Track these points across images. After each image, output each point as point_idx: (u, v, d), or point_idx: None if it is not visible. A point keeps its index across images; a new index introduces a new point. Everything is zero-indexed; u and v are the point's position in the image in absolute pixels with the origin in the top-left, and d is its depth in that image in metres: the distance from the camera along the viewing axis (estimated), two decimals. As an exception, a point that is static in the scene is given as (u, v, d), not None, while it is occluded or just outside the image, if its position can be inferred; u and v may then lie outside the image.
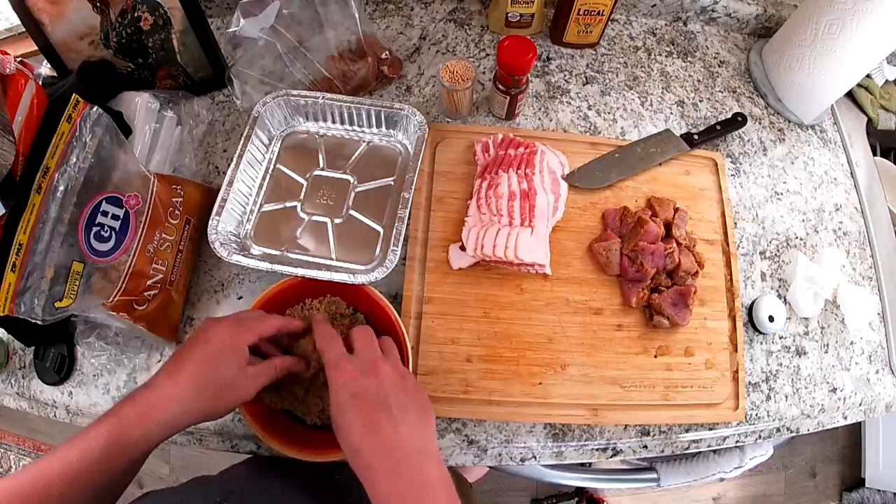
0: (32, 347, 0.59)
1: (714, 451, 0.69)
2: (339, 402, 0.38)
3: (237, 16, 0.59)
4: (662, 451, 0.56)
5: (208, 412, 0.40)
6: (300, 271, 0.51)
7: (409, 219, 0.53)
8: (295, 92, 0.60)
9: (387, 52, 0.67)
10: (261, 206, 0.59)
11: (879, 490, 1.36)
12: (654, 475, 0.75)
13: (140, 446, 0.37)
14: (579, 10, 0.67)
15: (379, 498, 0.34)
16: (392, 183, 0.60)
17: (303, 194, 0.60)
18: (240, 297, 0.59)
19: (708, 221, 0.62)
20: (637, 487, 0.78)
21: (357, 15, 0.63)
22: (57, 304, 0.44)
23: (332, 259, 0.56)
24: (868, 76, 0.76)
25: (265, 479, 0.48)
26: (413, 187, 0.54)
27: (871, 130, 0.77)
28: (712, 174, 0.65)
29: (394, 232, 0.52)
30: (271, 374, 0.44)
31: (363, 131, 0.63)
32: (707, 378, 0.56)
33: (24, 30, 0.60)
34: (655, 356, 0.56)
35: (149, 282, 0.51)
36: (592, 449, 0.55)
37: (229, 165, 0.56)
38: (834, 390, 0.60)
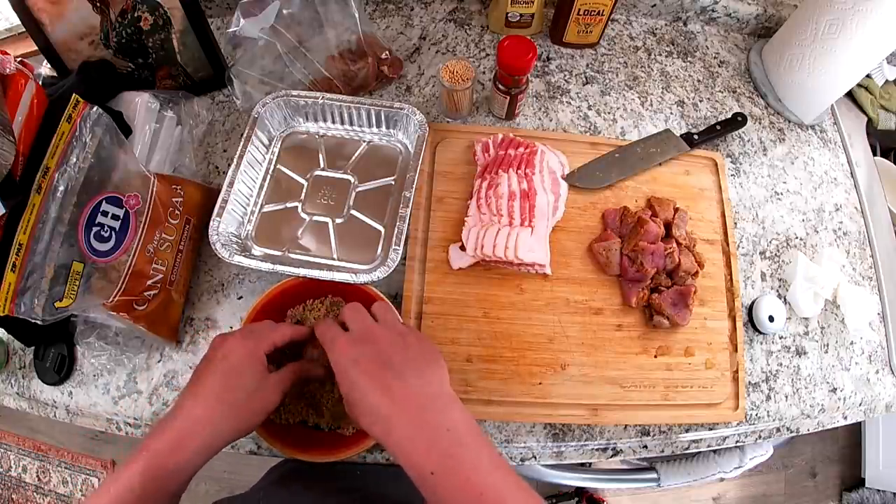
0: (32, 347, 0.59)
1: (714, 451, 0.69)
2: (344, 377, 0.37)
3: (237, 16, 0.59)
4: (662, 451, 0.56)
5: (239, 429, 0.39)
6: (302, 271, 0.51)
7: (409, 218, 0.53)
8: (295, 92, 0.60)
9: (387, 52, 0.67)
10: (261, 206, 0.59)
11: (879, 490, 1.36)
12: (654, 475, 0.75)
13: (177, 477, 0.36)
14: (579, 10, 0.67)
15: (409, 458, 0.33)
16: (393, 182, 0.60)
17: (303, 194, 0.60)
18: (240, 297, 0.59)
19: (708, 221, 0.62)
20: (637, 487, 0.78)
21: (357, 15, 0.63)
22: (57, 304, 0.44)
23: (333, 259, 0.56)
24: (868, 76, 0.76)
25: (289, 485, 0.47)
26: (414, 186, 0.54)
27: (871, 130, 0.77)
28: (712, 174, 0.65)
29: (395, 231, 0.52)
30: (292, 378, 0.44)
31: (363, 131, 0.63)
32: (707, 378, 0.56)
33: (24, 30, 0.60)
34: (655, 356, 0.56)
35: (149, 282, 0.51)
36: (592, 449, 0.55)
37: (229, 165, 0.56)
38: (834, 390, 0.60)
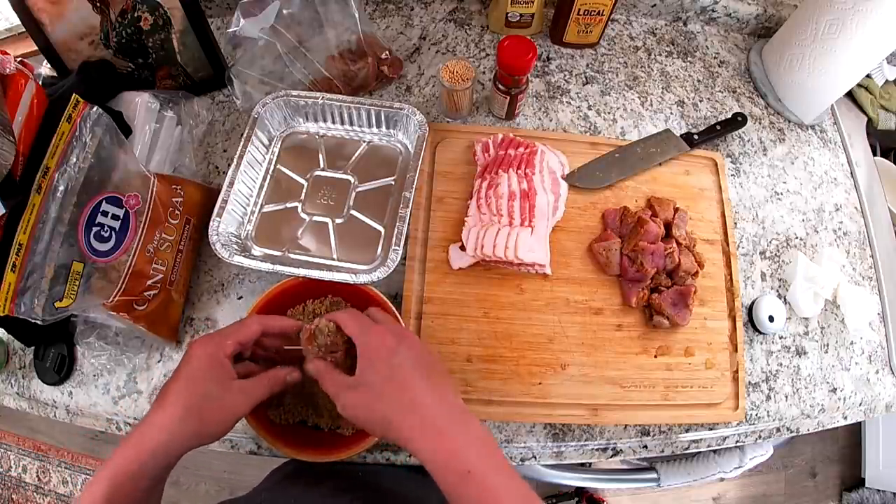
0: (32, 347, 0.59)
1: (714, 451, 0.69)
2: (378, 364, 0.38)
3: (237, 16, 0.59)
4: (662, 451, 0.56)
5: (200, 434, 0.38)
6: (302, 272, 0.51)
7: (409, 218, 0.53)
8: (295, 92, 0.60)
9: (387, 52, 0.67)
10: (261, 206, 0.59)
11: (879, 490, 1.36)
12: (654, 475, 0.75)
13: (138, 483, 0.36)
14: (579, 10, 0.67)
15: (437, 463, 0.34)
16: (393, 182, 0.60)
17: (303, 195, 0.60)
18: (240, 297, 0.59)
19: (708, 221, 0.62)
20: (637, 487, 0.78)
21: (357, 15, 0.63)
22: (57, 304, 0.44)
23: (333, 259, 0.56)
24: (868, 76, 0.76)
25: (292, 486, 0.47)
26: (414, 187, 0.54)
27: (871, 130, 0.77)
28: (712, 174, 0.65)
29: (395, 231, 0.52)
30: (264, 388, 0.41)
31: (363, 131, 0.63)
32: (707, 378, 0.56)
33: (24, 30, 0.60)
34: (655, 356, 0.56)
35: (149, 282, 0.51)
36: (592, 449, 0.55)
37: (229, 165, 0.56)
38: (834, 390, 0.60)
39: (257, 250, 0.57)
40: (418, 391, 0.36)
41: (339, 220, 0.58)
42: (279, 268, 0.51)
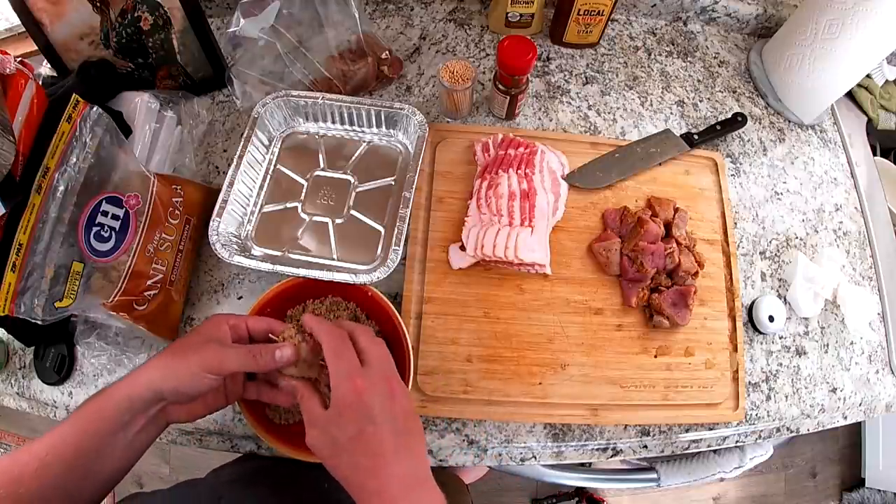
0: (32, 347, 0.59)
1: (714, 451, 0.69)
2: (348, 415, 0.35)
3: (237, 16, 0.59)
4: (662, 451, 0.56)
5: (177, 375, 0.38)
6: (302, 272, 0.51)
7: (409, 218, 0.53)
8: (295, 92, 0.60)
9: (387, 52, 0.67)
10: (261, 206, 0.59)
11: (879, 490, 1.36)
12: (654, 475, 0.75)
13: (122, 404, 0.37)
14: (579, 10, 0.67)
15: None
16: (393, 183, 0.60)
17: (303, 195, 0.60)
18: (240, 297, 0.59)
19: (708, 221, 0.62)
20: (637, 487, 0.78)
21: (357, 15, 0.63)
22: (57, 304, 0.44)
23: (333, 259, 0.56)
24: (868, 76, 0.76)
25: (254, 486, 0.47)
26: (414, 187, 0.54)
27: (871, 130, 0.77)
28: (712, 174, 0.65)
29: (395, 231, 0.52)
30: (253, 359, 0.39)
31: (363, 131, 0.63)
32: (707, 378, 0.56)
33: (24, 30, 0.60)
34: (655, 356, 0.56)
35: (149, 282, 0.51)
36: (592, 449, 0.55)
37: (229, 165, 0.56)
38: (834, 390, 0.60)
39: (257, 250, 0.57)
40: (387, 458, 0.35)
41: (339, 220, 0.58)
42: (279, 268, 0.51)
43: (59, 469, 0.35)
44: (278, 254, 0.57)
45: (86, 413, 0.37)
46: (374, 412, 0.35)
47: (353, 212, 0.59)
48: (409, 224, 0.53)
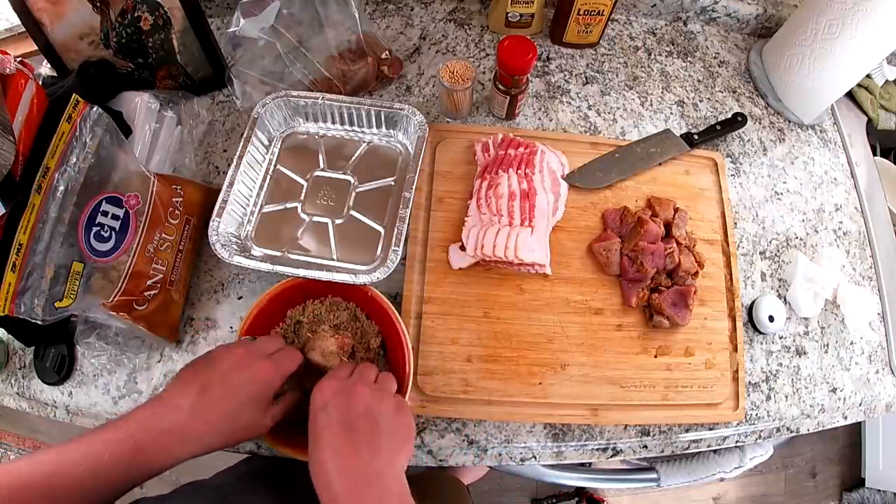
0: (32, 347, 0.59)
1: (714, 451, 0.69)
2: (312, 421, 0.39)
3: (237, 16, 0.59)
4: (662, 451, 0.56)
5: (226, 445, 0.40)
6: (301, 272, 0.51)
7: (409, 219, 0.53)
8: (295, 92, 0.60)
9: (387, 52, 0.67)
10: (261, 207, 0.59)
11: (879, 490, 1.36)
12: (654, 475, 0.75)
13: (150, 469, 0.37)
14: (579, 10, 0.67)
15: None
16: (392, 183, 0.60)
17: (303, 195, 0.60)
18: (240, 297, 0.59)
19: (708, 221, 0.62)
20: (637, 487, 0.78)
21: (357, 15, 0.63)
22: (57, 304, 0.44)
23: (333, 260, 0.56)
24: (868, 76, 0.76)
25: (258, 489, 0.47)
26: (414, 187, 0.54)
27: (871, 130, 0.77)
28: (712, 174, 0.65)
29: (395, 232, 0.52)
30: (287, 409, 0.45)
31: (363, 132, 0.63)
32: (707, 378, 0.56)
33: (24, 30, 0.60)
34: (655, 356, 0.56)
35: (149, 282, 0.51)
36: (592, 449, 0.55)
37: (229, 165, 0.56)
38: (834, 390, 0.60)
39: (257, 250, 0.57)
40: (336, 452, 0.36)
41: (338, 221, 0.58)
42: (279, 268, 0.51)
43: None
44: (278, 254, 0.57)
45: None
46: (329, 407, 0.38)
47: (352, 212, 0.59)
48: (408, 224, 0.53)
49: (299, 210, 0.59)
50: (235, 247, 0.54)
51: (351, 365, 0.44)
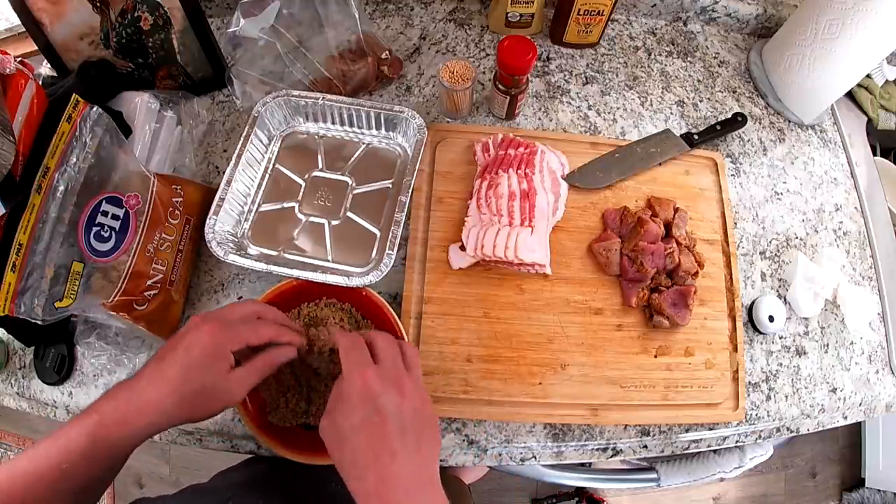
0: (32, 347, 0.59)
1: (714, 451, 0.69)
2: (351, 408, 0.35)
3: (237, 16, 0.59)
4: (662, 451, 0.56)
5: (192, 417, 0.38)
6: (296, 273, 0.51)
7: (406, 221, 0.53)
8: (295, 92, 0.60)
9: (387, 52, 0.67)
10: (259, 206, 0.59)
11: (879, 490, 1.36)
12: (654, 475, 0.75)
13: (120, 449, 0.36)
14: (579, 10, 0.67)
15: None
16: (390, 186, 0.60)
17: (301, 195, 0.60)
18: (240, 297, 0.59)
19: (708, 221, 0.62)
20: (637, 487, 0.78)
21: (357, 15, 0.63)
22: (57, 304, 0.44)
23: (328, 260, 0.56)
24: (868, 76, 0.76)
25: (261, 488, 0.47)
26: (410, 191, 0.54)
27: (871, 130, 0.77)
28: (712, 174, 0.65)
29: (390, 235, 0.52)
30: (258, 373, 0.40)
31: (363, 133, 0.63)
32: (707, 378, 0.56)
33: (24, 30, 0.60)
34: (655, 356, 0.56)
35: (149, 282, 0.51)
36: (592, 449, 0.55)
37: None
38: (834, 390, 0.60)
39: (253, 249, 0.57)
40: (389, 453, 0.33)
41: (335, 222, 0.58)
42: (274, 268, 0.51)
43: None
44: (274, 253, 0.57)
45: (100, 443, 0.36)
46: (379, 402, 0.35)
47: (349, 214, 0.59)
48: (403, 228, 0.53)
49: (296, 210, 0.59)
50: (231, 245, 0.54)
51: (359, 334, 0.40)
